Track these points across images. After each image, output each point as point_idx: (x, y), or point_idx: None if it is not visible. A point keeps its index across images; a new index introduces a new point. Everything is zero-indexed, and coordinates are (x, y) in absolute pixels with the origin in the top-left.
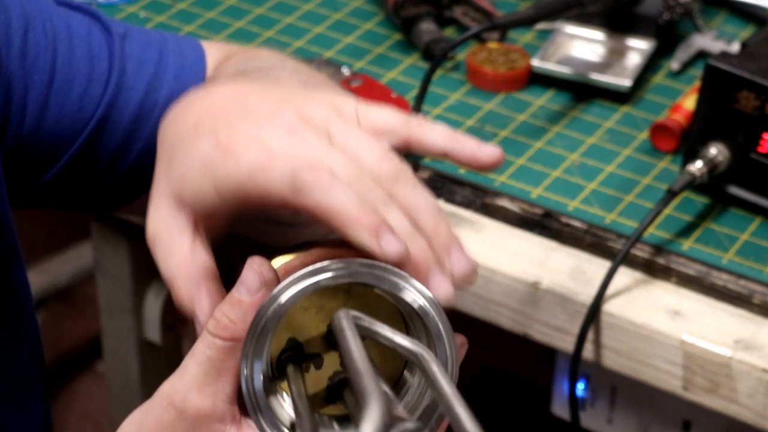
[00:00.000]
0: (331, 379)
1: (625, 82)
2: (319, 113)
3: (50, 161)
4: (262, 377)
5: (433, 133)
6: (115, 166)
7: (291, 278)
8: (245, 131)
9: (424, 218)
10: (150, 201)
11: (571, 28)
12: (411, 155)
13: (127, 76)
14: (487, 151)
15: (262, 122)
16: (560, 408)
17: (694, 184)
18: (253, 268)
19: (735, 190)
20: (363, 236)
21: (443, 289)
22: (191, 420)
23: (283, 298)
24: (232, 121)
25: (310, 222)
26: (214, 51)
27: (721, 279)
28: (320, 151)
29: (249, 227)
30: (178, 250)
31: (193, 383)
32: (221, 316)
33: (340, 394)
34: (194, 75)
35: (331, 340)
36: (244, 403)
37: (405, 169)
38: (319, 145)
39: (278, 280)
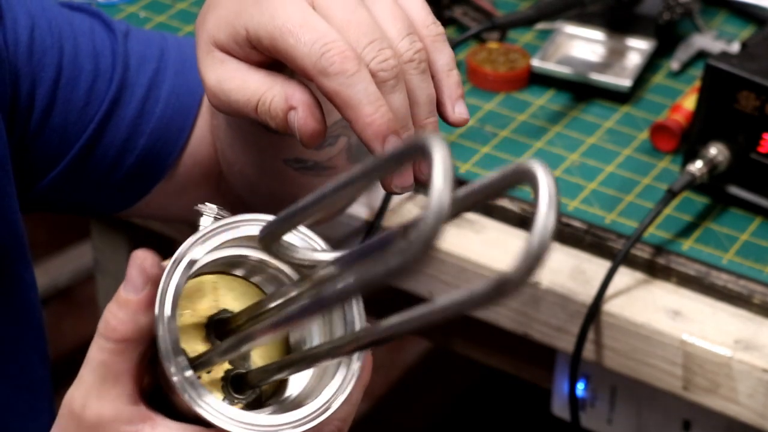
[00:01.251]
0: (224, 379)
1: (625, 82)
2: None
3: (56, 158)
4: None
5: (442, 58)
6: (119, 163)
7: (175, 260)
8: None
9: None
10: (199, 68)
11: (571, 28)
12: None
13: (130, 72)
14: (458, 117)
15: None
16: (560, 408)
17: (694, 184)
18: (137, 264)
19: (735, 190)
20: (368, 137)
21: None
22: (94, 427)
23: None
24: None
25: (328, 168)
26: None
27: (721, 279)
28: (350, 16)
29: (270, 171)
30: (252, 76)
31: (92, 390)
32: (110, 317)
33: (241, 389)
34: (195, 71)
35: (211, 341)
36: (152, 400)
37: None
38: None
39: (161, 273)
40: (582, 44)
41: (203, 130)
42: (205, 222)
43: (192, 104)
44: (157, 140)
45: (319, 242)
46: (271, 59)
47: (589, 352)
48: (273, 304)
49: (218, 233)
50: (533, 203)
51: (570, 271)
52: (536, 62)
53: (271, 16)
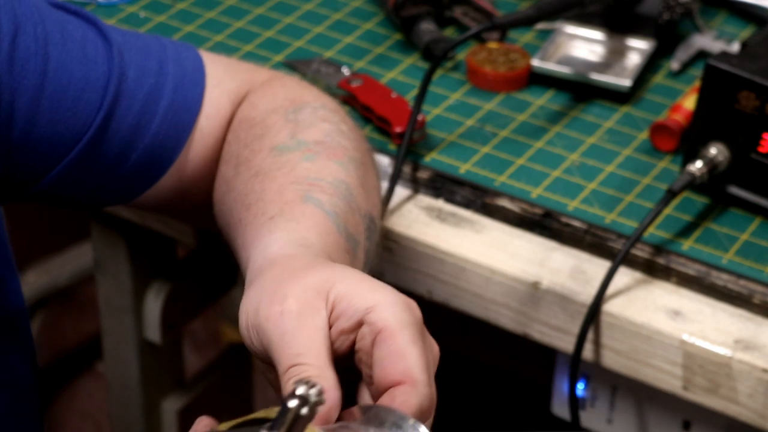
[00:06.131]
0: None
1: (625, 82)
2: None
3: (47, 165)
4: None
5: None
6: (111, 173)
7: None
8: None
9: None
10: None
11: (571, 28)
12: (412, 154)
13: (127, 83)
14: None
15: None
16: (560, 408)
17: (694, 184)
18: None
19: (735, 190)
20: None
21: None
22: None
23: None
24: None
25: None
26: (219, 67)
27: (721, 279)
28: None
29: None
30: (317, 332)
31: None
32: None
33: None
34: (194, 87)
35: None
36: None
37: None
38: None
39: None
40: (582, 44)
41: (199, 148)
42: None
43: (188, 122)
44: (150, 156)
45: None
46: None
47: (589, 352)
48: None
49: None
50: (534, 204)
51: (570, 271)
52: (536, 62)
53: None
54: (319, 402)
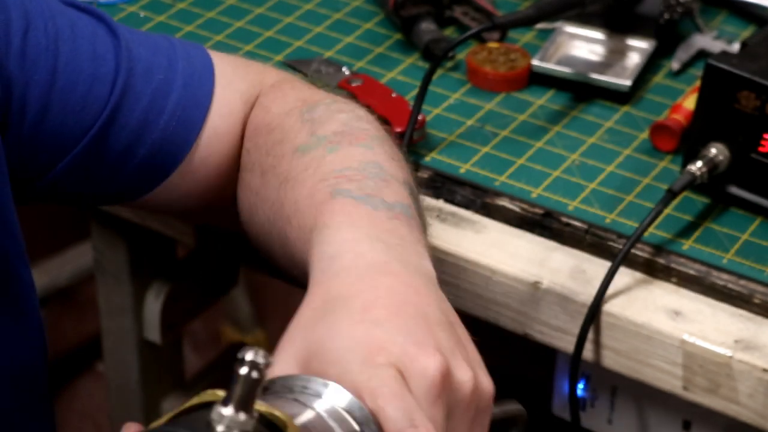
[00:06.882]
0: None
1: (625, 82)
2: (463, 382)
3: (54, 159)
4: None
5: None
6: (118, 168)
7: None
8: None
9: None
10: (285, 338)
11: (571, 28)
12: (412, 154)
13: (135, 78)
14: None
15: (415, 356)
16: (560, 408)
17: (694, 184)
18: None
19: (735, 190)
20: None
21: None
22: None
23: None
24: (393, 329)
25: None
26: (228, 67)
27: (721, 279)
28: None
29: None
30: None
31: None
32: None
33: None
34: (203, 84)
35: None
36: None
37: None
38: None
39: None
40: (582, 44)
41: (215, 147)
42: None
43: (197, 119)
44: (158, 152)
45: None
46: None
47: (589, 352)
48: None
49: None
50: (534, 204)
51: (570, 271)
52: (536, 62)
53: (370, 387)
54: (268, 364)
